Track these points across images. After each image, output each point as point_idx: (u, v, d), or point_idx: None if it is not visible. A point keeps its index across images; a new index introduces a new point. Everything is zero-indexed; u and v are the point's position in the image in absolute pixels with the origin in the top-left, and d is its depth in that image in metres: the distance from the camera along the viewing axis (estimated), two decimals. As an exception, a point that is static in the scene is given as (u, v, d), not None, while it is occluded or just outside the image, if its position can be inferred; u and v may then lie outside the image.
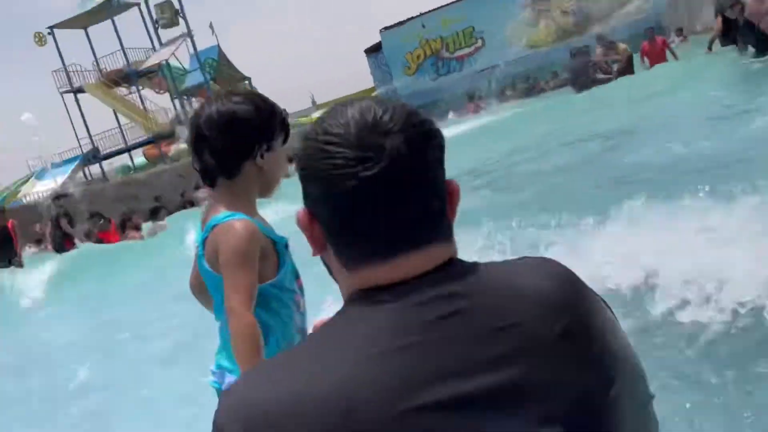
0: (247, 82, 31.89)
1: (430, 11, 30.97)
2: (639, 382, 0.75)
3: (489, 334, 0.67)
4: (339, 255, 0.77)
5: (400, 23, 31.67)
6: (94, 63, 27.67)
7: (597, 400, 0.67)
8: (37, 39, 26.42)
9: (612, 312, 0.78)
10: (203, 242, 1.70)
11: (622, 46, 12.97)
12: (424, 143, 0.74)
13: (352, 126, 0.73)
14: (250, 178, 1.69)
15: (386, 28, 32.08)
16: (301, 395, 0.67)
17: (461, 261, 0.77)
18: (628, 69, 12.51)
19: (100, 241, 12.67)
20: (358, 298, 0.74)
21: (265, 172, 1.71)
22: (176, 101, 28.76)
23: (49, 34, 26.33)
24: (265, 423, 0.67)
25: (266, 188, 1.76)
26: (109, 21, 26.68)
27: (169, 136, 27.02)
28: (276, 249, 1.72)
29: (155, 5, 26.92)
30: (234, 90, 1.71)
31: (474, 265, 0.76)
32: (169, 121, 28.18)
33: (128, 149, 28.13)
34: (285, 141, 1.77)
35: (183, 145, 26.38)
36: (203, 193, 18.60)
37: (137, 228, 11.05)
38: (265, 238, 1.69)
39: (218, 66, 29.31)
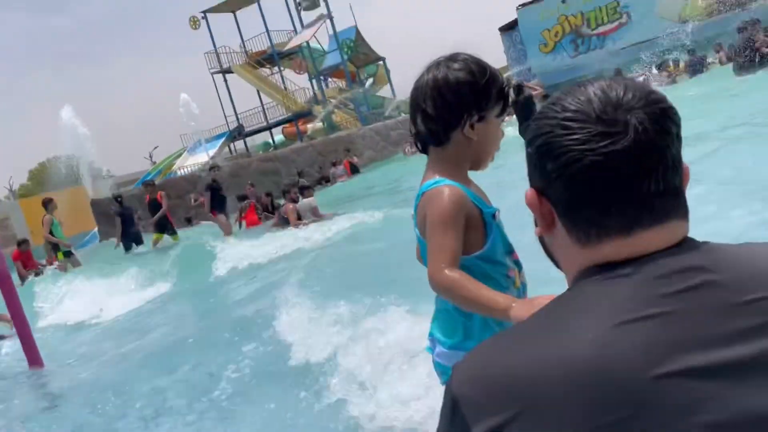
0: (381, 62, 32.36)
1: (571, -14, 29.56)
2: None
3: (737, 307, 0.67)
4: (573, 231, 0.78)
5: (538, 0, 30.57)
6: (241, 45, 29.36)
7: None
8: (192, 23, 28.47)
9: None
10: (415, 209, 1.66)
11: None
12: (665, 119, 0.75)
13: (594, 102, 0.75)
14: (460, 148, 1.62)
15: (523, 5, 31.06)
16: (550, 357, 0.68)
17: (695, 240, 0.77)
18: None
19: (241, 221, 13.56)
20: (592, 274, 0.75)
21: (476, 144, 1.61)
22: (314, 81, 29.84)
23: (202, 18, 28.29)
24: (512, 387, 0.68)
25: (477, 160, 1.67)
26: (255, 4, 28.12)
27: (307, 115, 28.14)
28: (483, 218, 1.63)
29: (299, -12, 27.94)
30: (457, 53, 1.62)
31: (709, 243, 0.77)
32: (307, 100, 29.33)
33: (269, 127, 29.66)
34: (502, 112, 1.66)
35: (319, 124, 27.42)
36: (341, 170, 19.34)
37: (294, 200, 11.53)
38: (472, 205, 1.61)
39: (355, 46, 29.94)
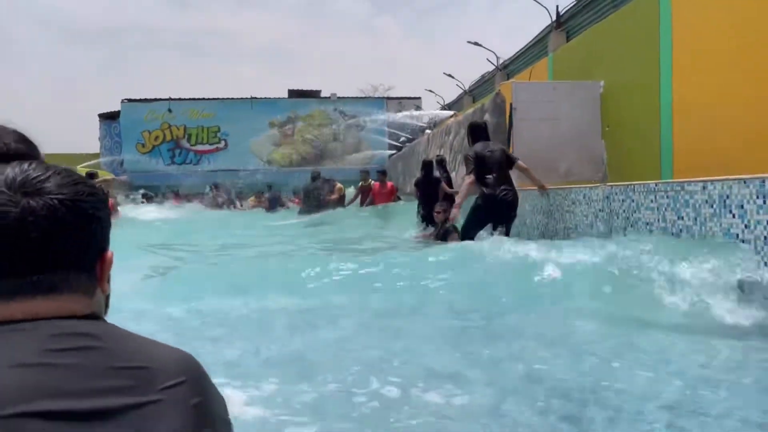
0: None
1: (180, 99, 30.68)
2: None
3: (109, 369, 0.78)
4: None
5: (146, 100, 30.64)
6: None
7: None
8: None
9: (227, 415, 0.89)
10: None
11: (338, 185, 14.97)
12: (72, 208, 0.85)
13: (9, 177, 0.83)
14: None
15: (129, 100, 30.68)
16: None
17: (99, 316, 0.89)
18: (339, 203, 14.56)
19: None
20: None
21: None
22: None
23: None
24: None
25: None
26: None
27: None
28: None
29: None
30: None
31: (113, 325, 0.87)
32: None
33: None
34: None
35: None
36: None
37: None
38: None
39: None
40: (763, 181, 3.20)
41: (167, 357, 0.84)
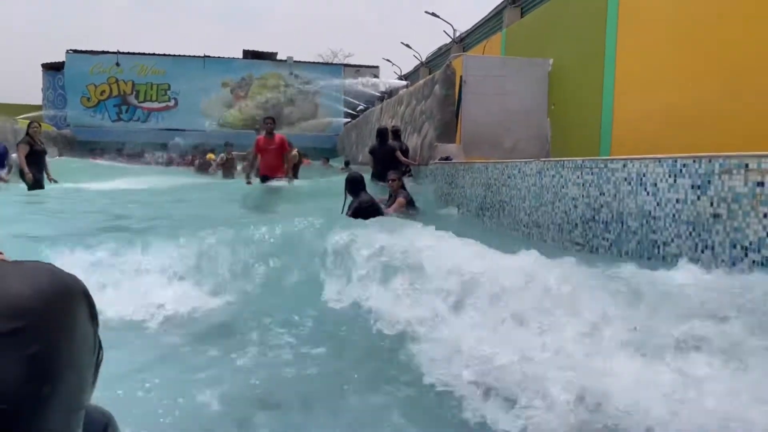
0: None
1: (129, 53, 29.55)
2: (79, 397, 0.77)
3: None
4: None
5: (93, 52, 29.39)
6: None
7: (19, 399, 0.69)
8: None
9: (99, 340, 0.79)
10: None
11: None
12: None
13: None
14: None
15: (75, 51, 29.38)
16: None
17: None
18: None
19: None
20: None
21: None
22: None
23: None
24: None
25: None
26: None
27: None
28: None
29: None
30: None
31: None
32: None
33: None
34: None
35: None
36: None
37: None
38: None
39: None
40: (675, 161, 3.31)
41: (14, 295, 0.73)
